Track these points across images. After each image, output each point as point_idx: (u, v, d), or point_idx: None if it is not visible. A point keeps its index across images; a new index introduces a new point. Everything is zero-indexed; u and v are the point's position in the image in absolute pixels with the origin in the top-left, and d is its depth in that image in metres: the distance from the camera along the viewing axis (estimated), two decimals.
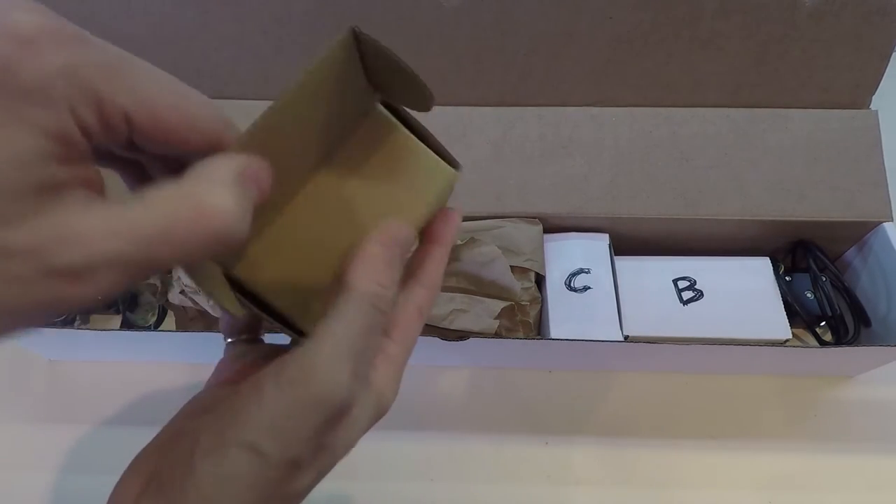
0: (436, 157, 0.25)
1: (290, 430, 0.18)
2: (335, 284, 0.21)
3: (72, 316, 0.53)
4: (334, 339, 0.19)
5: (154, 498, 0.19)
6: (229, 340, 0.27)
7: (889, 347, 0.46)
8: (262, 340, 0.28)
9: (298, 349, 0.19)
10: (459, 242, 0.50)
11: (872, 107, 0.52)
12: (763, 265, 0.53)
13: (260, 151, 0.19)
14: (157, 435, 0.23)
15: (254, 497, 0.19)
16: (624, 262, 0.53)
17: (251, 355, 0.26)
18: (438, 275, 0.25)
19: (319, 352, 0.19)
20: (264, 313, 0.23)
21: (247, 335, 0.27)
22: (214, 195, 0.16)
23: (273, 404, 0.18)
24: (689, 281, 0.53)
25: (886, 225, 0.51)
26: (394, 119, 0.25)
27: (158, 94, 0.17)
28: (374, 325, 0.20)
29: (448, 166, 0.26)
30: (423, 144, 0.25)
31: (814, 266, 0.53)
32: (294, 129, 0.21)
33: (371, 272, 0.20)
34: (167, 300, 0.52)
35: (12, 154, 0.14)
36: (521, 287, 0.50)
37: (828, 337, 0.53)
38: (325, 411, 0.19)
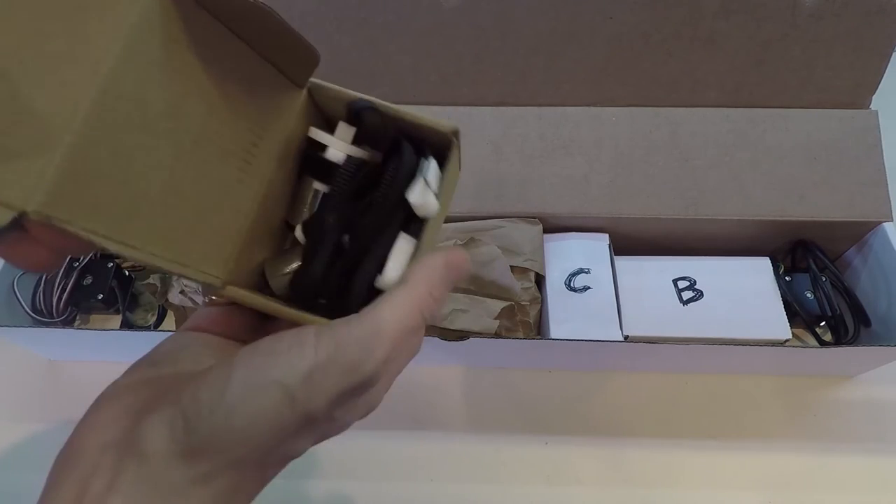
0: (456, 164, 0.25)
1: (319, 384, 0.20)
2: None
3: (71, 316, 0.54)
4: (380, 321, 0.20)
5: (162, 414, 0.20)
6: (207, 300, 0.27)
7: (889, 347, 0.46)
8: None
9: (352, 318, 0.21)
10: (459, 242, 0.50)
11: (872, 107, 0.52)
12: (763, 265, 0.53)
13: None
14: (135, 369, 0.24)
15: (268, 439, 0.20)
16: (624, 262, 0.53)
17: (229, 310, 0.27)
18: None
19: (365, 327, 0.20)
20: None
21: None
22: None
23: (312, 358, 0.20)
24: (689, 281, 0.53)
25: (886, 225, 0.51)
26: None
27: None
28: (416, 328, 0.21)
29: (457, 166, 0.25)
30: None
31: (814, 266, 0.53)
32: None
33: (430, 281, 0.22)
34: (167, 300, 0.52)
35: None
36: (521, 287, 0.50)
37: (828, 337, 0.53)
38: (351, 379, 0.20)
